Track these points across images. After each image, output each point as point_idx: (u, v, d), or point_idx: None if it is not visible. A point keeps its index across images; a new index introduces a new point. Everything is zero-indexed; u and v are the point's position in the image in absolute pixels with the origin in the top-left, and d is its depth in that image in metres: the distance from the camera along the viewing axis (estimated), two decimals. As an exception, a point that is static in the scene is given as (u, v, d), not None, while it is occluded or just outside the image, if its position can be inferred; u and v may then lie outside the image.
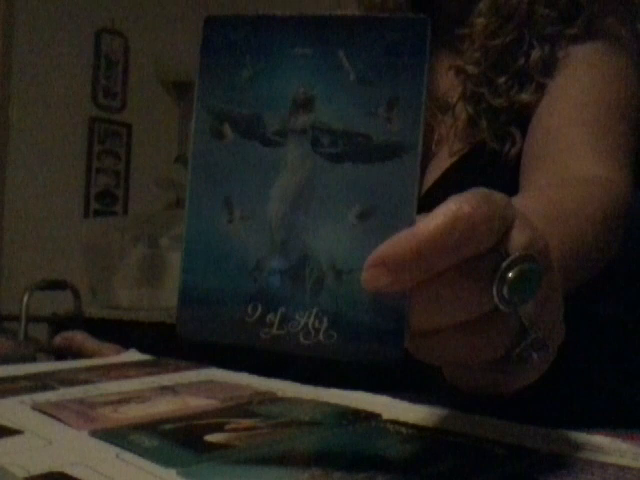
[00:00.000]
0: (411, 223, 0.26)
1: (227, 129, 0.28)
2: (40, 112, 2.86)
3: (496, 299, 0.27)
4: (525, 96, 0.64)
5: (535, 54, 0.64)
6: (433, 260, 0.26)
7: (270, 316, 0.28)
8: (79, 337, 0.69)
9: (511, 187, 0.60)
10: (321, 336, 0.27)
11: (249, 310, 0.28)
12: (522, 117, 0.65)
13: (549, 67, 0.64)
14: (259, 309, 0.28)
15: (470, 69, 0.66)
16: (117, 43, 3.16)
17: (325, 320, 0.27)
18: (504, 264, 0.27)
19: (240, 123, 0.28)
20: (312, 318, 0.27)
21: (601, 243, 0.52)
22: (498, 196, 0.28)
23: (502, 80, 0.64)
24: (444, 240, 0.25)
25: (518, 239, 0.28)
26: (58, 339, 0.70)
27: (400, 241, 0.26)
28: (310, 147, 0.28)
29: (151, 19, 3.11)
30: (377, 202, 0.27)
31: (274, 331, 0.27)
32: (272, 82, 0.28)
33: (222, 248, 0.28)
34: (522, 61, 0.64)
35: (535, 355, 0.29)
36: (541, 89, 0.64)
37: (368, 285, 0.26)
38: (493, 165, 0.65)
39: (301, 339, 0.27)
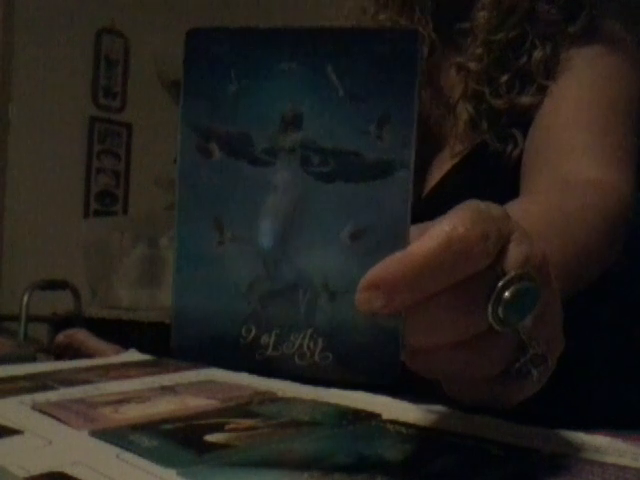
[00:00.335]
0: (405, 242, 0.26)
1: (214, 147, 0.27)
2: (40, 112, 2.86)
3: (491, 319, 0.27)
4: (526, 98, 0.64)
5: (537, 54, 0.64)
6: (427, 283, 0.25)
7: (265, 337, 0.27)
8: (80, 335, 0.69)
9: (512, 189, 0.60)
10: (316, 357, 0.27)
11: (243, 332, 0.28)
12: (524, 119, 0.64)
13: (551, 68, 0.64)
14: (253, 331, 0.27)
15: (472, 66, 0.66)
16: (117, 43, 3.16)
17: (320, 341, 0.27)
18: (500, 284, 0.27)
19: (227, 141, 0.27)
20: (307, 339, 0.27)
21: (603, 246, 0.52)
22: (494, 211, 0.28)
23: (504, 79, 0.64)
24: (438, 263, 0.25)
25: (515, 256, 0.27)
26: (60, 337, 0.70)
27: (393, 264, 0.25)
28: (300, 166, 0.27)
29: (151, 19, 3.11)
30: (370, 222, 0.26)
31: (269, 352, 0.27)
32: (259, 98, 0.27)
33: (214, 270, 0.28)
34: (524, 59, 0.64)
35: (535, 371, 0.29)
36: (542, 91, 0.64)
37: (362, 307, 0.26)
38: (494, 167, 0.65)
39: (296, 360, 0.27)
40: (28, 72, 2.85)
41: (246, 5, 2.99)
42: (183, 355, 0.29)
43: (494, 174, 0.65)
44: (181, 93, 0.28)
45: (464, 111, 0.68)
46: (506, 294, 0.26)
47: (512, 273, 0.27)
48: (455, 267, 0.25)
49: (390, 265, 0.25)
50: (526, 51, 0.65)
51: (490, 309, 0.26)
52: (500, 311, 0.26)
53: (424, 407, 0.40)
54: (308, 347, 0.27)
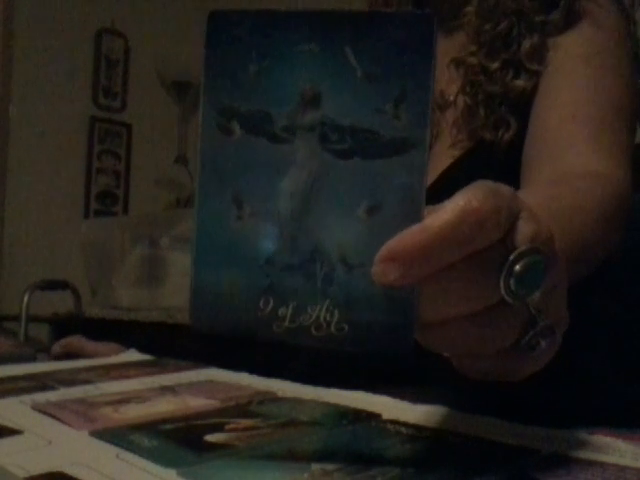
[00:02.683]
0: (420, 218, 0.27)
1: (235, 126, 0.28)
2: (40, 112, 2.86)
3: (503, 291, 0.27)
4: (519, 82, 0.66)
5: (526, 43, 0.66)
6: (442, 254, 0.26)
7: (282, 310, 0.28)
8: (76, 342, 0.69)
9: (512, 184, 0.60)
10: (332, 328, 0.28)
11: (261, 304, 0.28)
12: (518, 106, 0.65)
13: (540, 55, 0.66)
14: (271, 303, 0.28)
15: (470, 60, 0.69)
16: (117, 43, 3.15)
17: (336, 313, 0.27)
18: (511, 257, 0.27)
19: (248, 120, 0.28)
20: (323, 311, 0.28)
21: (600, 238, 0.52)
22: (504, 189, 0.29)
23: (496, 65, 0.67)
24: (453, 235, 0.26)
25: (524, 231, 0.28)
26: (57, 348, 0.70)
27: (409, 236, 0.26)
28: (318, 143, 0.28)
29: (151, 19, 3.11)
30: (385, 197, 0.27)
31: (286, 324, 0.28)
32: (279, 78, 0.28)
33: (233, 244, 0.28)
34: (514, 48, 0.67)
35: (544, 342, 0.29)
36: (535, 76, 0.66)
37: (378, 279, 0.26)
38: (493, 164, 0.65)
39: (313, 332, 0.28)
40: (28, 72, 2.85)
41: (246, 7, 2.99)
42: (202, 327, 0.29)
43: (493, 171, 0.65)
44: (203, 73, 0.29)
45: (462, 102, 0.69)
46: (517, 267, 0.27)
47: (523, 247, 0.28)
48: (469, 239, 0.26)
49: (406, 237, 0.26)
50: (515, 40, 0.67)
51: (502, 281, 0.27)
52: (512, 283, 0.27)
53: (424, 407, 0.40)
54: (324, 319, 0.28)
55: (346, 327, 0.27)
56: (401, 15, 0.28)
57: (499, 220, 0.27)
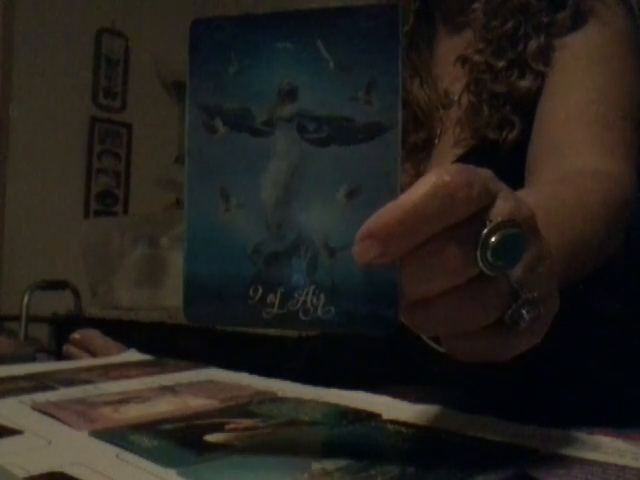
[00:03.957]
0: (396, 196, 0.28)
1: (218, 123, 0.30)
2: (40, 112, 2.86)
3: (480, 264, 0.28)
4: (524, 83, 0.66)
5: (532, 43, 0.67)
6: (418, 228, 0.27)
7: (271, 297, 0.29)
8: (91, 333, 0.71)
9: (515, 183, 0.61)
10: (319, 312, 0.28)
11: (250, 292, 0.29)
12: (523, 106, 0.65)
13: (546, 55, 0.66)
14: (260, 291, 0.29)
15: (476, 58, 0.69)
16: (117, 43, 3.15)
17: (322, 296, 0.28)
18: (486, 230, 0.28)
19: (230, 116, 0.30)
20: (310, 295, 0.29)
21: (602, 237, 0.52)
22: (483, 170, 0.30)
23: (501, 64, 0.67)
24: (426, 208, 0.27)
25: (501, 207, 0.29)
26: (74, 335, 0.72)
27: (386, 213, 0.27)
28: (297, 134, 0.29)
29: (151, 19, 3.11)
30: (363, 180, 0.28)
31: (275, 310, 0.29)
32: (257, 76, 0.30)
33: (221, 236, 0.30)
34: (520, 47, 0.67)
35: (527, 315, 0.29)
36: (540, 77, 0.66)
37: (359, 258, 0.27)
38: (495, 164, 0.65)
39: (301, 316, 0.29)
40: (28, 72, 2.84)
41: (246, 6, 2.99)
42: (195, 319, 0.30)
43: (496, 170, 0.65)
44: (187, 76, 0.30)
45: (466, 101, 0.69)
46: (492, 239, 0.28)
47: (498, 219, 0.28)
48: (442, 212, 0.27)
49: (383, 215, 0.27)
50: (521, 39, 0.67)
51: (479, 254, 0.28)
52: (488, 255, 0.28)
53: (424, 407, 0.40)
54: (312, 303, 0.28)
55: (333, 310, 0.28)
56: (367, 7, 0.29)
57: (471, 193, 0.27)
